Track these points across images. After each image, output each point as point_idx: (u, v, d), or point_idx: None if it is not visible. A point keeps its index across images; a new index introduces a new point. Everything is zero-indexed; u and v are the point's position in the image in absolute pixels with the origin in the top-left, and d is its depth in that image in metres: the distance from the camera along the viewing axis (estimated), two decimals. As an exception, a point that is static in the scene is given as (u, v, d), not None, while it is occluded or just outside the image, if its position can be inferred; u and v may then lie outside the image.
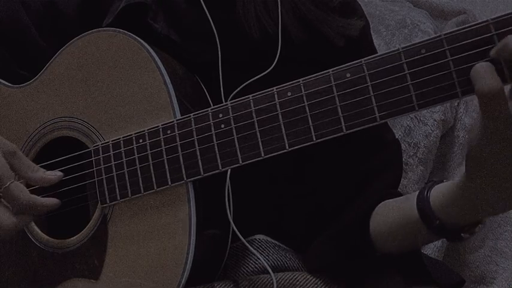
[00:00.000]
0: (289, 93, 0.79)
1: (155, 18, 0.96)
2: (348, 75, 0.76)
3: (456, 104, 1.40)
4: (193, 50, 0.96)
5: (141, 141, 0.86)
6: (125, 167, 0.87)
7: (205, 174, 0.83)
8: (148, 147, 0.86)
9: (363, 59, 0.75)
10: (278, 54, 0.94)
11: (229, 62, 0.94)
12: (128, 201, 0.87)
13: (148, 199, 0.86)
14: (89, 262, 0.89)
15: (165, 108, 0.86)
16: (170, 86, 0.86)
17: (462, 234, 0.81)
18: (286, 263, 0.97)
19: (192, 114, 0.84)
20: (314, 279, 0.92)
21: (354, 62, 0.76)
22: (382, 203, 0.94)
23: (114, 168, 0.88)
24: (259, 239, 0.97)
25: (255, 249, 0.95)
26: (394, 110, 0.73)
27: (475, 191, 0.76)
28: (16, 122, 0.98)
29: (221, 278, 0.93)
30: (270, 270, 0.90)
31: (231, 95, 0.90)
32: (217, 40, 0.94)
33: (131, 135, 0.87)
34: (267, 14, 0.96)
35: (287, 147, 0.79)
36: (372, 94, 0.74)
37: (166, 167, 0.84)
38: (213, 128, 0.83)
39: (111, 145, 0.88)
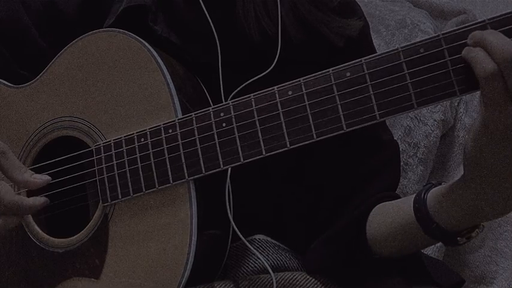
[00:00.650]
0: (290, 92, 0.79)
1: (155, 20, 0.96)
2: (348, 74, 0.76)
3: (456, 104, 1.40)
4: (193, 51, 0.96)
5: (142, 140, 0.86)
6: (127, 166, 0.87)
7: (206, 173, 0.83)
8: (150, 146, 0.86)
9: (362, 58, 0.76)
10: (278, 55, 0.94)
11: (229, 63, 0.94)
12: (129, 201, 0.87)
13: (149, 199, 0.86)
14: (89, 262, 0.89)
15: (166, 107, 0.86)
16: (171, 86, 0.86)
17: (458, 239, 0.81)
18: (286, 263, 0.97)
19: (193, 113, 0.84)
20: (314, 279, 0.92)
21: (354, 61, 0.76)
22: (380, 204, 0.94)
23: (115, 167, 0.88)
24: (259, 239, 0.97)
25: (255, 249, 0.95)
26: (394, 108, 0.74)
27: (475, 192, 0.76)
28: (16, 122, 0.98)
29: (221, 277, 0.93)
30: (270, 270, 0.90)
31: (231, 95, 0.91)
32: (217, 41, 0.94)
33: (133, 134, 0.87)
34: (266, 14, 0.96)
35: (288, 146, 0.79)
36: (372, 93, 0.75)
37: (168, 165, 0.85)
38: (214, 127, 0.83)
39: (112, 144, 0.88)
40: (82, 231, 0.90)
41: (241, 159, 0.81)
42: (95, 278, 0.88)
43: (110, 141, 0.89)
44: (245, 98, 0.82)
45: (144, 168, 0.86)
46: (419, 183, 1.34)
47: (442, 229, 0.81)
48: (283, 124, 0.79)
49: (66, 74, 0.95)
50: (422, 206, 0.82)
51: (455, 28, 0.72)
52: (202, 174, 0.83)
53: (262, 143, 0.80)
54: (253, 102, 0.81)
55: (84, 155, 0.92)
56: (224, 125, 0.82)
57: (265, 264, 0.92)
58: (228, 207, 0.88)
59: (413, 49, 0.73)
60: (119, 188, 0.87)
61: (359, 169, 0.98)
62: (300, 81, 0.79)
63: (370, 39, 1.07)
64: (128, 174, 0.87)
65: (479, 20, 0.70)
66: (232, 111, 0.82)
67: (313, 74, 0.79)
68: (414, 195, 0.85)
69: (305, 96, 0.78)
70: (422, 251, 0.96)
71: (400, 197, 0.96)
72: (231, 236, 0.91)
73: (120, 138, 0.88)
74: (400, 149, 1.05)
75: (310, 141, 0.78)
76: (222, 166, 0.82)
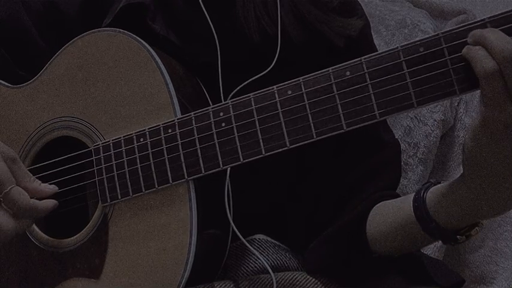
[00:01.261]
0: (289, 92, 0.79)
1: (154, 19, 0.96)
2: (348, 73, 0.76)
3: (456, 104, 1.40)
4: (192, 50, 0.96)
5: (142, 140, 0.86)
6: (126, 166, 0.87)
7: (206, 173, 0.83)
8: (149, 146, 0.86)
9: (362, 58, 0.76)
10: (277, 55, 0.94)
11: (229, 63, 0.94)
12: (129, 201, 0.87)
13: (148, 199, 0.86)
14: (89, 262, 0.89)
15: (165, 107, 0.86)
16: (170, 86, 0.86)
17: (458, 237, 0.81)
18: (286, 263, 0.97)
19: (192, 113, 0.84)
20: (314, 279, 0.92)
21: (354, 60, 0.76)
22: (380, 204, 0.94)
23: (115, 167, 0.88)
24: (259, 239, 0.97)
25: (255, 249, 0.95)
26: (394, 107, 0.74)
27: (474, 191, 0.76)
28: (16, 122, 0.98)
29: (221, 277, 0.93)
30: (270, 270, 0.90)
31: (230, 95, 0.90)
32: (217, 41, 0.94)
33: (132, 134, 0.87)
34: (266, 14, 0.96)
35: (288, 145, 0.79)
36: (372, 92, 0.75)
37: (168, 165, 0.84)
38: (213, 127, 0.83)
39: (111, 144, 0.88)
40: (82, 232, 0.90)
41: (241, 159, 0.81)
42: (94, 278, 0.88)
43: (108, 141, 0.89)
44: (244, 97, 0.82)
45: (143, 168, 0.86)
46: (419, 183, 1.34)
47: (441, 228, 0.81)
48: (283, 124, 0.79)
49: (66, 73, 0.95)
50: (422, 205, 0.82)
51: (455, 27, 0.72)
52: (201, 174, 0.83)
53: (261, 142, 0.80)
54: (252, 102, 0.81)
55: (83, 155, 0.92)
56: (223, 124, 0.82)
57: (265, 264, 0.92)
58: (227, 207, 0.88)
59: (413, 48, 0.73)
60: (118, 188, 0.87)
61: (359, 168, 0.98)
62: (299, 80, 0.79)
63: (371, 39, 1.07)
64: (127, 175, 0.87)
65: (479, 19, 0.70)
66: (231, 111, 0.82)
67: (313, 74, 0.79)
68: (413, 194, 0.85)
69: (305, 96, 0.78)
70: (422, 250, 0.96)
71: (400, 196, 0.96)
72: (230, 236, 0.91)
73: (119, 138, 0.88)
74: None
75: (310, 140, 0.78)
76: (221, 166, 0.82)
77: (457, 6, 1.51)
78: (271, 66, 0.92)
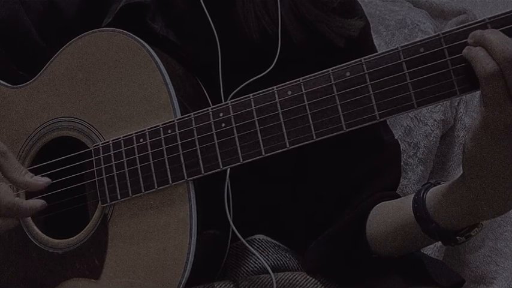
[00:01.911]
0: (289, 92, 0.79)
1: (153, 19, 0.96)
2: (348, 74, 0.76)
3: (456, 104, 1.40)
4: (192, 50, 0.96)
5: (141, 140, 0.86)
6: (126, 167, 0.87)
7: (206, 173, 0.83)
8: (149, 147, 0.86)
9: (362, 58, 0.76)
10: (277, 55, 0.94)
11: (229, 63, 0.94)
12: (128, 201, 0.87)
13: (148, 199, 0.86)
14: (89, 262, 0.89)
15: (165, 107, 0.86)
16: (170, 86, 0.86)
17: (458, 238, 0.81)
18: (286, 263, 0.97)
19: (192, 113, 0.84)
20: (314, 279, 0.92)
21: (354, 61, 0.76)
22: (380, 204, 0.94)
23: (114, 168, 0.88)
24: (259, 239, 0.97)
25: (255, 249, 0.95)
26: (394, 108, 0.74)
27: (475, 191, 0.76)
28: (16, 122, 0.98)
29: (221, 277, 0.93)
30: (270, 270, 0.90)
31: (230, 95, 0.90)
32: (217, 41, 0.93)
33: (132, 134, 0.87)
34: (266, 14, 0.95)
35: (287, 146, 0.79)
36: (372, 93, 0.75)
37: (167, 166, 0.84)
38: (213, 127, 0.83)
39: (111, 145, 0.88)
40: (81, 232, 0.90)
41: (241, 160, 0.81)
42: (94, 278, 0.88)
43: (108, 141, 0.89)
44: (244, 98, 0.82)
45: (143, 169, 0.86)
46: (419, 183, 1.34)
47: (441, 228, 0.81)
48: (283, 124, 0.79)
49: (66, 73, 0.95)
50: (421, 206, 0.82)
51: (455, 27, 0.71)
52: (201, 175, 0.83)
53: (261, 143, 0.80)
54: (252, 103, 0.81)
55: (83, 156, 0.92)
56: (223, 125, 0.82)
57: (265, 264, 0.92)
58: (227, 207, 0.88)
59: (413, 49, 0.73)
60: (118, 189, 0.87)
61: (359, 169, 0.98)
62: (299, 81, 0.79)
63: (371, 39, 1.07)
64: (127, 175, 0.87)
65: (480, 19, 0.70)
66: (231, 112, 0.82)
67: (313, 74, 0.79)
68: (413, 194, 0.85)
69: (304, 96, 0.78)
70: (422, 250, 0.96)
71: (400, 197, 0.96)
72: (230, 236, 0.91)
73: (119, 138, 0.88)
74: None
75: (310, 141, 0.78)
76: (221, 166, 0.82)
77: (457, 6, 1.51)
78: (271, 67, 0.92)
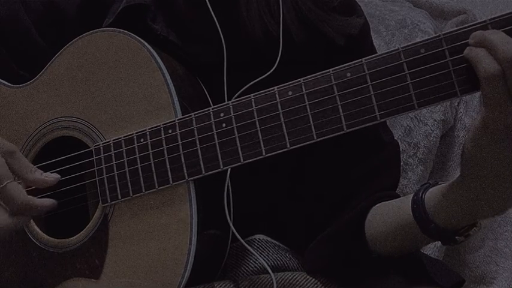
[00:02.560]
0: (290, 93, 0.79)
1: (154, 19, 0.96)
2: (348, 74, 0.76)
3: (456, 104, 1.40)
4: (193, 51, 0.96)
5: (142, 140, 0.86)
6: (126, 166, 0.87)
7: (206, 173, 0.83)
8: (149, 147, 0.86)
9: (363, 59, 0.76)
10: (280, 54, 0.94)
11: (231, 63, 0.94)
12: (129, 201, 0.87)
13: (148, 199, 0.86)
14: (89, 262, 0.89)
15: (165, 107, 0.86)
16: (171, 86, 0.86)
17: (457, 238, 0.81)
18: (286, 263, 0.97)
19: (193, 113, 0.84)
20: (314, 280, 0.92)
21: (354, 61, 0.76)
22: (380, 204, 0.94)
23: (115, 168, 0.88)
24: (259, 239, 0.97)
25: (255, 249, 0.95)
26: (394, 108, 0.74)
27: (474, 191, 0.76)
28: (16, 122, 0.98)
29: (221, 278, 0.93)
30: (269, 270, 0.90)
31: (234, 96, 0.90)
32: (223, 41, 0.93)
33: (132, 134, 0.87)
34: (269, 13, 0.96)
35: (288, 146, 0.79)
36: (372, 93, 0.75)
37: (168, 166, 0.84)
38: (214, 127, 0.83)
39: (112, 144, 0.88)
40: (82, 232, 0.90)
41: (241, 160, 0.81)
42: (94, 278, 0.88)
43: (109, 141, 0.89)
44: (245, 98, 0.82)
45: (143, 169, 0.86)
46: (419, 183, 1.35)
47: (440, 229, 0.81)
48: (283, 125, 0.79)
49: (66, 73, 0.95)
50: (421, 207, 0.82)
51: (456, 28, 0.71)
52: (201, 175, 0.83)
53: (262, 143, 0.80)
54: (253, 103, 0.81)
55: (84, 155, 0.92)
56: (224, 125, 0.82)
57: (265, 264, 0.92)
58: (227, 208, 0.88)
59: (414, 49, 0.73)
60: (118, 189, 0.87)
61: (359, 169, 0.98)
62: (300, 81, 0.79)
63: (370, 38, 1.07)
64: (128, 175, 0.87)
65: (481, 20, 0.70)
66: (232, 112, 0.82)
67: (314, 74, 0.79)
68: (412, 194, 0.85)
69: (305, 97, 0.78)
70: (422, 251, 0.96)
71: (399, 197, 0.96)
72: (231, 236, 0.91)
73: (120, 138, 0.88)
74: (400, 149, 1.05)
75: (311, 141, 0.78)
76: (221, 167, 0.82)
77: (457, 6, 1.51)
78: (274, 67, 0.92)
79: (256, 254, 0.94)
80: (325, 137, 0.77)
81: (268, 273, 0.91)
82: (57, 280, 0.91)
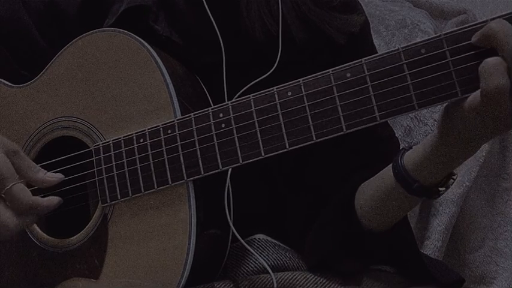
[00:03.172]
0: (289, 93, 0.79)
1: (156, 20, 0.96)
2: (348, 75, 0.76)
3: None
4: (194, 51, 0.96)
5: (141, 140, 0.86)
6: (126, 167, 0.87)
7: (205, 174, 0.83)
8: (149, 147, 0.86)
9: (363, 59, 0.76)
10: (279, 54, 0.94)
11: (232, 63, 0.94)
12: (128, 201, 0.87)
13: (148, 199, 0.86)
14: (89, 262, 0.89)
15: (165, 108, 0.86)
16: (170, 86, 0.86)
17: (440, 189, 0.84)
18: (286, 263, 0.97)
19: (192, 114, 0.84)
20: (314, 279, 0.92)
21: (354, 62, 0.76)
22: (363, 184, 0.95)
23: (114, 168, 0.88)
24: (259, 239, 0.97)
25: (255, 248, 0.95)
26: (394, 109, 0.74)
27: (452, 145, 0.78)
28: (17, 122, 0.98)
29: (221, 278, 0.93)
30: (269, 270, 0.90)
31: (235, 97, 0.90)
32: (221, 42, 0.93)
33: (132, 134, 0.87)
34: (269, 14, 0.95)
35: (287, 147, 0.79)
36: (372, 94, 0.75)
37: (167, 166, 0.84)
38: (213, 128, 0.83)
39: (111, 144, 0.88)
40: (82, 232, 0.90)
41: (240, 160, 0.81)
42: (94, 278, 0.88)
43: (109, 141, 0.89)
44: (244, 98, 0.82)
45: (143, 169, 0.86)
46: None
47: (423, 185, 0.83)
48: (283, 125, 0.79)
49: (66, 74, 0.95)
50: (402, 171, 0.84)
51: (456, 28, 0.71)
52: (201, 175, 0.83)
53: (261, 144, 0.80)
54: (252, 103, 0.81)
55: (84, 155, 0.92)
56: (223, 126, 0.82)
57: (265, 264, 0.92)
58: (227, 208, 0.88)
59: (414, 50, 0.73)
60: (118, 189, 0.87)
61: (358, 165, 0.99)
62: (299, 82, 0.79)
63: (371, 37, 1.07)
64: (127, 175, 0.87)
65: (481, 20, 0.70)
66: (231, 112, 0.82)
67: (313, 75, 0.78)
68: (390, 165, 0.87)
69: (304, 97, 0.78)
70: (422, 251, 0.96)
71: None
72: (231, 236, 0.91)
73: (119, 138, 0.88)
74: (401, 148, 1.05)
75: (310, 142, 0.78)
76: (220, 167, 0.82)
77: (457, 6, 1.51)
78: (274, 67, 0.92)
79: (256, 253, 0.94)
80: (325, 138, 0.77)
81: (268, 273, 0.91)
82: (57, 280, 0.91)
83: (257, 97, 0.81)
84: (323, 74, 0.78)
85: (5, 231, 0.83)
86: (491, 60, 0.68)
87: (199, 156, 0.83)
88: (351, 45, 0.97)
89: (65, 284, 0.90)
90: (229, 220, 0.88)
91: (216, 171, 0.82)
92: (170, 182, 0.84)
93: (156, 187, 0.85)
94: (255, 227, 0.98)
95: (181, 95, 0.87)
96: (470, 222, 1.37)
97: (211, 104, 0.90)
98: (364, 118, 0.75)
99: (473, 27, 0.70)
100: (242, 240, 0.90)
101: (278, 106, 0.79)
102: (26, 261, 0.94)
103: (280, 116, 0.79)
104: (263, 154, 0.80)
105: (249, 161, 0.81)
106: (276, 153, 0.80)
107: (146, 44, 0.89)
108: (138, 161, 0.86)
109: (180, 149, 0.84)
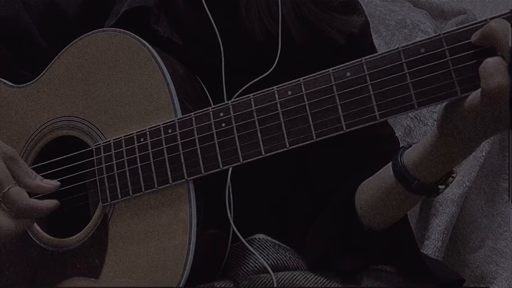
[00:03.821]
0: (289, 92, 0.79)
1: (157, 21, 0.96)
2: (348, 74, 0.76)
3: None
4: (195, 52, 0.96)
5: (142, 140, 0.86)
6: (126, 166, 0.87)
7: (206, 173, 0.83)
8: (149, 146, 0.86)
9: (363, 58, 0.76)
10: (279, 54, 0.94)
11: (232, 64, 0.94)
12: (129, 201, 0.87)
13: (148, 199, 0.86)
14: (89, 261, 0.89)
15: (165, 107, 0.86)
16: (171, 86, 0.86)
17: (439, 187, 0.84)
18: (287, 263, 0.97)
19: (192, 113, 0.84)
20: (314, 279, 0.92)
21: (354, 61, 0.76)
22: (363, 182, 0.95)
23: (115, 167, 0.88)
24: (259, 239, 0.97)
25: (255, 248, 0.95)
26: (394, 108, 0.74)
27: (451, 145, 0.79)
28: (17, 122, 0.98)
29: (221, 277, 0.93)
30: (269, 270, 0.90)
31: (234, 96, 0.90)
32: (220, 43, 0.94)
33: (132, 134, 0.87)
34: (269, 14, 0.96)
35: (287, 146, 0.79)
36: (372, 93, 0.75)
37: (168, 165, 0.85)
38: (213, 127, 0.83)
39: (112, 144, 0.89)
40: (82, 231, 0.90)
41: (241, 160, 0.81)
42: (94, 277, 0.88)
43: (109, 141, 0.89)
44: (244, 98, 0.82)
45: (143, 168, 0.86)
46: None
47: (423, 184, 0.84)
48: (283, 124, 0.79)
49: (67, 74, 0.95)
50: (402, 169, 0.85)
51: (456, 28, 0.71)
52: (201, 175, 0.83)
53: (261, 143, 0.80)
54: (252, 103, 0.81)
55: (84, 155, 0.92)
56: (223, 125, 0.82)
57: (265, 264, 0.92)
58: (228, 207, 0.88)
59: (414, 49, 0.73)
60: (118, 188, 0.87)
61: (357, 164, 0.99)
62: (299, 81, 0.79)
63: (371, 37, 1.07)
64: (128, 174, 0.87)
65: (481, 20, 0.70)
66: (231, 112, 0.82)
67: (313, 74, 0.79)
68: (390, 163, 0.88)
69: (305, 97, 0.78)
70: (422, 251, 0.96)
71: None
72: (231, 236, 0.91)
73: (120, 138, 0.88)
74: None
75: (310, 141, 0.78)
76: (221, 166, 0.82)
77: (457, 6, 1.51)
78: (273, 67, 0.92)
79: (256, 253, 0.94)
80: (325, 137, 0.77)
81: (269, 272, 0.91)
82: (57, 280, 0.91)
83: (257, 96, 0.81)
84: (323, 73, 0.78)
85: (3, 234, 0.83)
86: (491, 60, 0.68)
87: (199, 155, 0.83)
88: (351, 46, 0.97)
89: (65, 284, 0.90)
90: (230, 219, 0.88)
91: (217, 170, 0.82)
92: (171, 181, 0.84)
93: (156, 186, 0.85)
94: (255, 227, 0.98)
95: (181, 95, 0.87)
96: (470, 222, 1.37)
97: (212, 104, 0.90)
98: (364, 117, 0.75)
99: (473, 26, 0.70)
100: (243, 239, 0.91)
101: (278, 105, 0.80)
102: (26, 261, 0.94)
103: (281, 115, 0.79)
104: (263, 153, 0.80)
105: (250, 160, 0.81)
106: (276, 152, 0.80)
107: (147, 44, 0.89)
108: (138, 160, 0.86)
109: (180, 148, 0.84)
